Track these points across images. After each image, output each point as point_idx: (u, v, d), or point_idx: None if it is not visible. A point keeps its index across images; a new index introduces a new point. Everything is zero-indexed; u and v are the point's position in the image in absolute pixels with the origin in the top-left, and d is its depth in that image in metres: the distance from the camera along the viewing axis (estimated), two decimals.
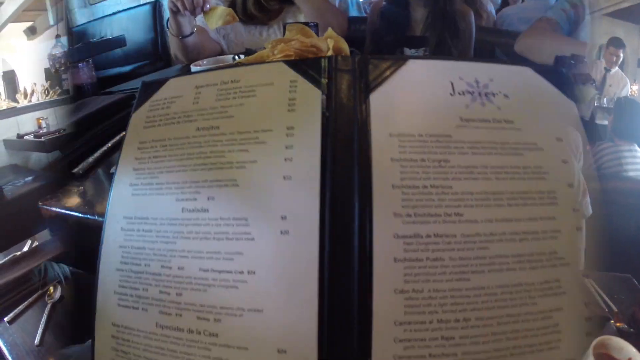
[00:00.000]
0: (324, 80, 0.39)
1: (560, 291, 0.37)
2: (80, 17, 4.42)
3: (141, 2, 4.06)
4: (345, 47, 0.68)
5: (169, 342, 0.36)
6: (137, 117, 0.42)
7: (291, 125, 0.38)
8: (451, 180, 0.37)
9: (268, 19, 1.52)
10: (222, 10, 1.12)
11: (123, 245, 0.38)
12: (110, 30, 3.48)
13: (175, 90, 0.42)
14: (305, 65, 0.41)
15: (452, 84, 0.40)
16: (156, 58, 2.10)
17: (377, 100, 0.39)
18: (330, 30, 0.69)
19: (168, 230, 0.37)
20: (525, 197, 0.38)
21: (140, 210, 0.38)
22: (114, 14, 3.75)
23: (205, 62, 1.01)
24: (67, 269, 0.60)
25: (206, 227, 0.37)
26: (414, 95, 0.40)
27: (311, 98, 0.39)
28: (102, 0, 4.47)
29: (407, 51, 1.56)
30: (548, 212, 0.38)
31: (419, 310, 0.34)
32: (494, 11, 2.53)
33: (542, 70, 0.43)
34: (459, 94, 0.40)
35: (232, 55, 0.96)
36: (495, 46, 1.87)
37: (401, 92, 0.39)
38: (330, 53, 0.61)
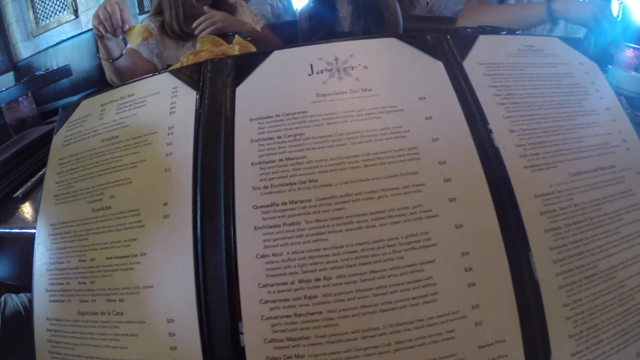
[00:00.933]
0: (200, 83, 0.45)
1: (430, 243, 0.38)
2: (24, 50, 4.69)
3: (84, 30, 4.14)
4: (252, 49, 0.74)
5: (88, 326, 0.42)
6: (57, 138, 0.49)
7: (171, 125, 0.44)
8: (306, 150, 0.40)
9: (195, 36, 1.53)
10: (139, 27, 1.17)
11: (50, 248, 0.45)
12: (56, 60, 3.73)
13: (86, 110, 0.49)
14: (187, 71, 0.46)
15: (311, 66, 0.44)
16: (104, 84, 2.11)
17: (242, 91, 0.43)
18: (237, 37, 0.75)
19: (82, 229, 0.44)
20: (383, 156, 0.40)
21: (61, 216, 0.46)
22: (57, 44, 4.00)
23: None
24: (25, 298, 0.64)
25: (109, 221, 0.43)
26: (274, 81, 0.44)
27: (188, 99, 0.44)
28: (45, 31, 4.64)
29: None
30: (409, 167, 0.39)
31: (280, 272, 0.37)
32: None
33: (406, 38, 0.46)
34: (317, 73, 0.43)
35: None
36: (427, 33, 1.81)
37: (263, 81, 0.44)
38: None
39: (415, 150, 0.40)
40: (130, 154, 0.44)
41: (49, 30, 4.65)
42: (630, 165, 0.47)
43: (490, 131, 0.43)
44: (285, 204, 0.38)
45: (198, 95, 0.44)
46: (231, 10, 1.63)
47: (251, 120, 0.42)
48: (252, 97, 0.43)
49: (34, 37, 4.72)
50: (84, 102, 0.50)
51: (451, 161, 0.40)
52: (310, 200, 0.38)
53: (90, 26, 4.30)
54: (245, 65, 0.45)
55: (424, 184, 0.39)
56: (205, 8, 1.41)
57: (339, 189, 0.38)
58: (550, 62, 0.51)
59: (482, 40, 0.50)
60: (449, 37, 0.48)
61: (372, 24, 1.55)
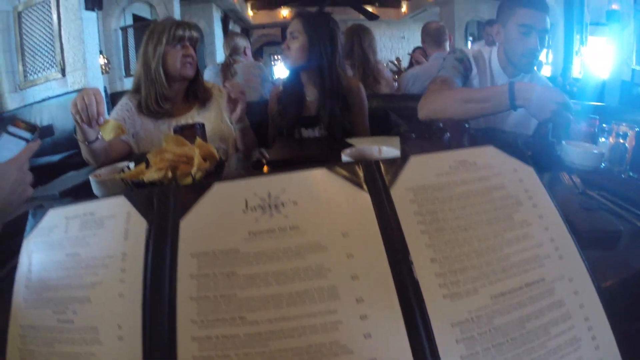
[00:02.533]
0: (151, 212, 0.50)
1: None
2: (11, 102, 4.75)
3: (69, 90, 4.33)
4: (213, 151, 0.83)
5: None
6: (27, 242, 0.55)
7: (125, 251, 0.50)
8: (236, 289, 0.45)
9: (171, 115, 1.66)
10: (113, 123, 1.24)
11: (20, 348, 0.52)
12: (41, 116, 3.84)
13: (53, 220, 0.55)
14: (140, 198, 0.52)
15: (246, 201, 0.49)
16: None
17: (185, 224, 0.49)
18: (198, 139, 0.81)
19: (48, 336, 0.50)
20: (304, 296, 0.45)
21: (31, 319, 0.52)
22: (43, 100, 4.14)
23: (103, 170, 1.08)
24: None
25: (72, 334, 0.49)
26: (213, 216, 0.49)
27: (139, 228, 0.50)
28: (32, 85, 4.77)
29: (304, 131, 1.74)
30: (329, 306, 0.45)
31: None
32: (391, 76, 2.88)
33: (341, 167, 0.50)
34: (251, 209, 0.48)
35: (126, 164, 1.03)
36: (390, 111, 2.03)
37: (204, 214, 0.49)
38: (197, 159, 0.79)
39: (335, 290, 0.45)
40: (90, 274, 0.50)
41: (37, 85, 4.82)
42: (562, 274, 0.51)
43: (411, 262, 0.47)
44: (218, 337, 0.44)
45: (147, 226, 0.50)
46: (207, 95, 1.77)
47: (191, 255, 0.47)
48: (193, 231, 0.49)
49: (21, 89, 4.88)
50: (52, 212, 0.56)
51: (369, 299, 0.45)
52: (239, 336, 0.44)
53: (76, 86, 4.36)
54: (189, 196, 0.50)
55: (342, 322, 0.44)
56: (227, 85, 1.52)
57: (264, 326, 0.44)
58: (482, 176, 0.55)
59: (413, 162, 0.54)
60: (380, 163, 0.52)
61: (337, 108, 1.67)
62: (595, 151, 1.16)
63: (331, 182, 0.50)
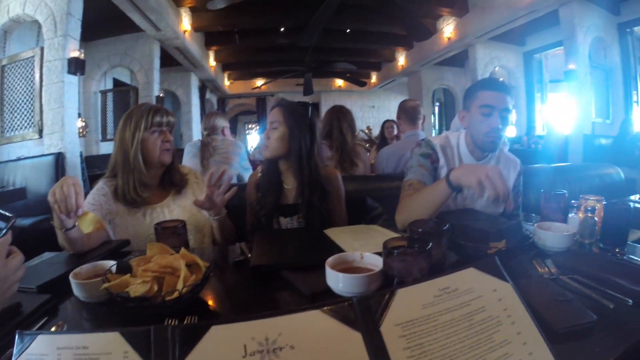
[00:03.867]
0: (148, 353, 0.52)
1: None
2: None
3: (45, 152, 4.37)
4: (198, 260, 0.92)
5: None
6: None
7: None
8: None
9: (149, 202, 1.65)
10: (91, 217, 1.24)
11: None
12: (14, 175, 3.84)
13: (44, 347, 0.55)
14: (135, 337, 0.53)
15: (245, 347, 0.51)
16: None
17: None
18: (182, 249, 0.93)
19: None
20: None
21: None
22: (17, 160, 4.16)
23: (84, 268, 1.05)
24: None
25: None
26: None
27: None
28: (9, 142, 4.81)
29: (282, 220, 1.74)
30: None
31: None
32: (367, 156, 2.95)
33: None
34: (250, 354, 0.50)
35: (112, 263, 1.00)
36: (366, 195, 2.12)
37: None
38: (184, 273, 0.84)
39: None
40: None
41: (13, 142, 4.82)
42: None
43: None
44: None
45: None
46: (183, 181, 1.77)
47: None
48: None
49: None
50: (41, 338, 0.56)
51: None
52: None
53: (52, 149, 4.25)
54: (187, 338, 0.52)
55: None
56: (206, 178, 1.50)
57: None
58: (464, 302, 0.59)
59: (400, 295, 0.58)
60: (370, 300, 0.56)
61: (315, 197, 1.69)
62: (567, 233, 1.22)
63: (325, 324, 0.53)
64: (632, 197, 2.54)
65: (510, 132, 9.25)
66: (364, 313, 0.55)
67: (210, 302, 0.99)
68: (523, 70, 9.21)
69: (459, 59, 8.89)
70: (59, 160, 3.99)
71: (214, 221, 1.61)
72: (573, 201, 1.47)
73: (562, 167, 3.25)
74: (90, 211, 1.34)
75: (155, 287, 0.87)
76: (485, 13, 7.15)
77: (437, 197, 1.37)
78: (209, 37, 9.10)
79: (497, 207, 1.44)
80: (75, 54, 4.49)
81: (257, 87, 12.42)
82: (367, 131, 9.01)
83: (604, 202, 1.38)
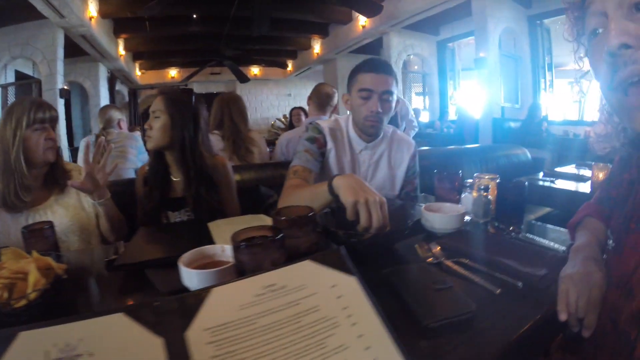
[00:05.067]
0: (160, 328, 0.44)
1: None
2: None
3: None
4: (52, 262, 0.88)
5: None
6: None
7: None
8: None
9: (31, 205, 1.53)
10: None
11: None
12: None
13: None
14: (143, 317, 0.45)
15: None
16: None
17: None
18: (34, 253, 0.87)
19: None
20: None
21: None
22: None
23: None
24: None
25: None
26: None
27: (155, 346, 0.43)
28: None
29: (171, 214, 1.67)
30: None
31: None
32: (264, 144, 2.86)
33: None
34: None
35: None
36: (259, 183, 2.09)
37: None
38: (33, 278, 0.79)
39: None
40: None
41: None
42: None
43: None
44: None
45: None
46: (66, 178, 1.63)
47: None
48: None
49: None
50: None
51: None
52: None
53: None
54: None
55: None
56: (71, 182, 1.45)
57: None
58: (292, 301, 0.48)
59: (216, 294, 0.48)
60: (179, 301, 0.47)
61: (203, 188, 1.62)
62: (454, 214, 1.16)
63: (127, 328, 0.46)
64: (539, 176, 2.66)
65: (423, 117, 9.62)
66: (169, 316, 0.46)
67: (75, 307, 0.92)
68: (436, 59, 9.49)
69: (374, 46, 8.93)
70: None
71: (99, 206, 1.52)
72: (468, 180, 1.44)
73: (470, 149, 3.36)
74: None
75: (6, 295, 0.80)
76: (400, 2, 7.26)
77: (318, 199, 1.21)
78: (118, 24, 8.40)
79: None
80: None
81: (170, 77, 11.91)
82: (283, 119, 8.91)
83: (497, 180, 1.35)
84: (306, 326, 0.46)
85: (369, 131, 1.59)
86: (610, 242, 0.82)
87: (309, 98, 3.12)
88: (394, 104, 1.58)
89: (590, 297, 0.73)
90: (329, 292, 0.48)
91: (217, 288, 0.49)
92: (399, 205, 1.24)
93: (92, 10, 6.67)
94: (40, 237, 1.14)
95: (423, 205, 1.21)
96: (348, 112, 1.71)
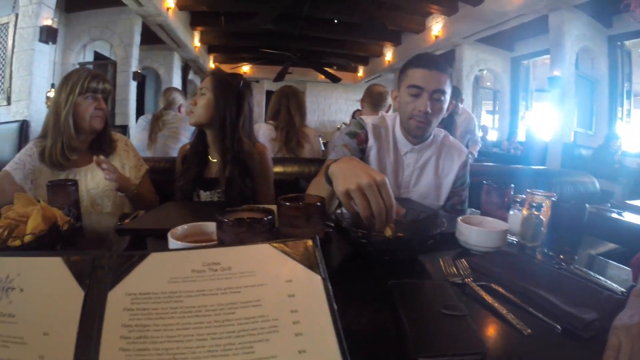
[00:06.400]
0: (87, 280, 0.41)
1: None
2: None
3: (11, 119, 4.47)
4: (57, 213, 0.92)
5: None
6: None
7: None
8: None
9: (74, 165, 1.64)
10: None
11: None
12: None
13: None
14: (75, 266, 0.43)
15: None
16: None
17: None
18: (43, 202, 0.91)
19: None
20: None
21: None
22: None
23: None
24: None
25: None
26: None
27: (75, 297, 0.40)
28: None
29: (202, 194, 1.70)
30: None
31: None
32: (319, 141, 2.90)
33: None
34: None
35: None
36: (299, 177, 2.11)
37: None
38: (33, 222, 0.84)
39: None
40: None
41: None
42: None
43: None
44: None
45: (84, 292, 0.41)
46: (112, 148, 1.76)
47: None
48: None
49: None
50: None
51: None
52: None
53: (19, 117, 4.40)
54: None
55: None
56: (101, 158, 1.52)
57: None
58: (233, 286, 0.39)
59: (151, 260, 0.42)
60: (113, 258, 0.43)
61: (236, 172, 1.64)
62: (494, 230, 1.01)
63: (58, 274, 0.44)
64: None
65: (492, 135, 9.23)
66: (101, 271, 0.42)
67: None
68: (509, 76, 9.14)
69: (445, 58, 8.72)
70: (23, 127, 4.18)
71: (124, 195, 1.64)
72: (519, 196, 1.28)
73: (534, 170, 3.21)
74: (12, 169, 1.52)
75: (6, 234, 0.85)
76: (474, 14, 7.03)
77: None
78: (195, 17, 8.78)
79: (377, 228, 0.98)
80: (48, 22, 4.53)
81: (242, 72, 12.20)
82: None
83: (553, 199, 1.17)
84: (238, 321, 0.36)
85: (415, 132, 1.46)
86: None
87: (362, 100, 3.09)
88: (446, 105, 1.45)
89: None
90: (280, 287, 0.38)
91: (156, 254, 0.43)
92: (431, 213, 1.10)
93: (170, 1, 6.95)
94: (62, 193, 1.19)
95: (459, 218, 1.06)
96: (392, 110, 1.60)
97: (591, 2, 5.40)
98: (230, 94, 1.68)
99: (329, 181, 0.96)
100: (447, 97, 1.44)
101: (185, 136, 3.15)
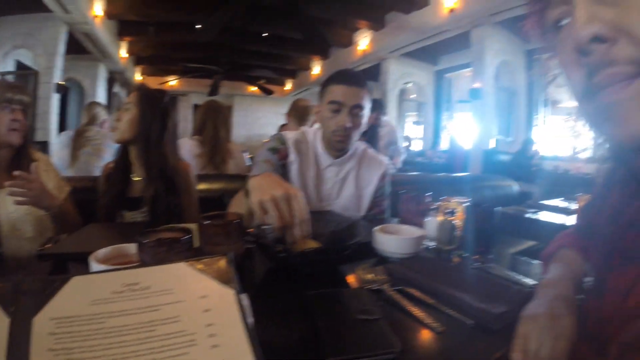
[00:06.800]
0: (11, 308, 0.39)
1: None
2: None
3: None
4: None
5: None
6: None
7: None
8: None
9: None
10: None
11: None
12: None
13: None
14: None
15: None
16: None
17: None
18: None
19: None
20: None
21: None
22: None
23: None
24: None
25: None
26: None
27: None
28: None
29: (127, 214, 1.63)
30: None
31: None
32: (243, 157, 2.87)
33: None
34: None
35: None
36: (226, 193, 2.09)
37: None
38: None
39: None
40: None
41: None
42: None
43: None
44: None
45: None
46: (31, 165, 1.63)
47: None
48: None
49: None
50: None
51: None
52: None
53: None
54: None
55: None
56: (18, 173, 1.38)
57: None
58: (152, 305, 0.41)
59: (74, 284, 0.43)
60: (38, 282, 0.42)
61: (162, 189, 1.60)
62: (407, 237, 1.09)
63: None
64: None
65: (416, 145, 9.65)
66: (27, 297, 0.41)
67: None
68: (433, 88, 9.57)
69: (372, 72, 9.02)
70: None
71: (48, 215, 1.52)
72: (434, 204, 1.38)
73: (455, 177, 3.32)
74: None
75: None
76: (400, 29, 7.36)
77: (242, 206, 1.12)
78: (123, 26, 8.48)
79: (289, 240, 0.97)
80: None
81: (169, 86, 11.92)
82: None
83: (466, 205, 1.28)
84: (159, 337, 0.38)
85: (337, 146, 1.52)
86: (589, 280, 0.68)
87: (287, 114, 3.16)
88: (365, 119, 1.53)
89: (554, 348, 0.56)
90: (196, 303, 0.41)
91: (78, 277, 0.43)
92: (349, 223, 1.17)
93: (98, 9, 6.68)
94: None
95: (376, 228, 1.13)
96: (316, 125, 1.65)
97: (511, 19, 5.77)
98: (156, 110, 1.65)
99: (248, 196, 1.01)
100: (367, 111, 1.51)
101: (109, 153, 3.02)
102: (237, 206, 1.19)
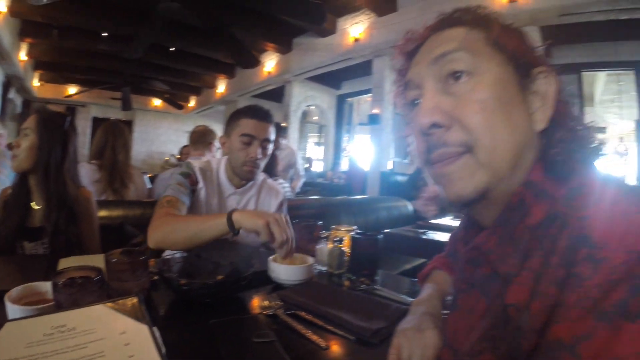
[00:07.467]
0: None
1: None
2: None
3: None
4: None
5: None
6: None
7: None
8: None
9: None
10: None
11: None
12: None
13: None
14: None
15: None
16: None
17: None
18: None
19: None
20: None
21: None
22: None
23: None
24: None
25: None
26: None
27: None
28: None
29: (27, 245, 1.58)
30: None
31: None
32: (144, 181, 2.85)
33: None
34: None
35: None
36: (125, 222, 2.09)
37: None
38: None
39: None
40: None
41: None
42: None
43: None
44: None
45: None
46: None
47: None
48: None
49: None
50: None
51: None
52: None
53: None
54: None
55: None
56: None
57: None
58: (80, 343, 0.50)
59: (8, 329, 0.49)
60: None
61: (62, 219, 1.56)
62: (299, 265, 1.23)
63: None
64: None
65: (317, 166, 9.98)
66: None
67: None
68: (335, 111, 9.96)
69: (276, 94, 9.22)
70: None
71: None
72: (324, 233, 1.53)
73: (350, 200, 3.49)
74: None
75: None
76: (306, 54, 7.67)
77: (210, 231, 1.28)
78: (26, 26, 7.64)
79: (283, 253, 1.25)
80: None
81: (69, 95, 11.05)
82: (177, 158, 8.67)
83: (353, 233, 1.45)
84: None
85: (247, 176, 1.65)
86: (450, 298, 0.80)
87: (189, 141, 3.22)
88: (271, 150, 1.69)
89: (423, 356, 0.68)
90: (117, 339, 0.51)
91: (10, 323, 0.50)
92: (247, 253, 1.28)
93: (2, 5, 6.08)
94: None
95: (270, 258, 1.26)
96: (219, 155, 1.75)
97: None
98: (56, 135, 1.59)
99: (231, 225, 1.25)
100: (272, 145, 1.68)
101: (4, 174, 2.84)
102: (175, 228, 1.34)
